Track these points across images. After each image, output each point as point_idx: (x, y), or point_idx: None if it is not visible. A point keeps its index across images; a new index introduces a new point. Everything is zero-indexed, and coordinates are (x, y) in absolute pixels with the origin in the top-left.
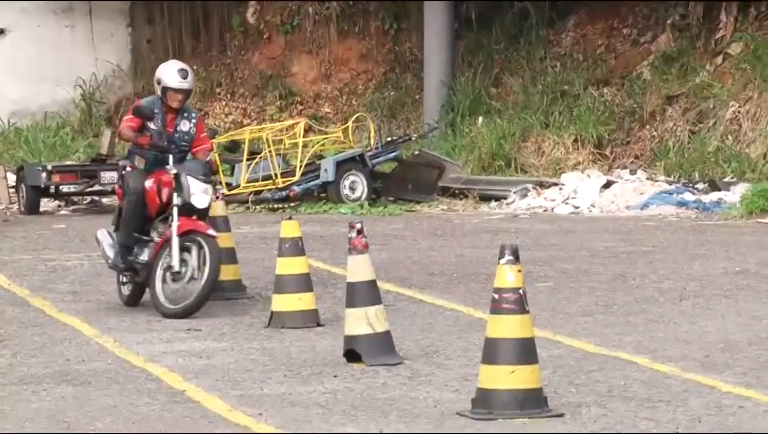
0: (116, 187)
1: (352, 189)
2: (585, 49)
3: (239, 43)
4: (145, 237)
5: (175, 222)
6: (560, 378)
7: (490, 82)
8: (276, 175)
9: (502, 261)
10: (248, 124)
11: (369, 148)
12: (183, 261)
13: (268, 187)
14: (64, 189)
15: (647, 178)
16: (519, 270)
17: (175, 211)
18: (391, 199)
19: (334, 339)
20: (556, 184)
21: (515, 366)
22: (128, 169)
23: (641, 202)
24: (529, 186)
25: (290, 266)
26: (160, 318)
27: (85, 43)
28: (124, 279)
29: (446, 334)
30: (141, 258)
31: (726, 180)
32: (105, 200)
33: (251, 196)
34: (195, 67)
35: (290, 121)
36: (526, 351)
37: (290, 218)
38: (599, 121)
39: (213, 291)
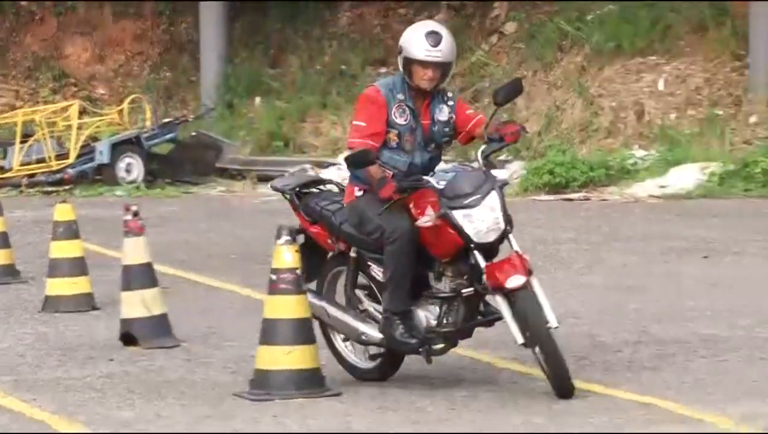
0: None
1: (128, 171)
2: (362, 28)
3: (11, 24)
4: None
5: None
6: None
7: (268, 62)
8: (50, 158)
9: (280, 241)
10: (21, 107)
11: (145, 130)
12: None
13: (42, 170)
14: None
15: None
16: (296, 251)
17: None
18: (169, 180)
19: (110, 323)
20: (334, 164)
21: (292, 347)
22: (358, 192)
23: None
24: (308, 166)
25: (64, 250)
26: None
27: None
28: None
29: (224, 316)
30: (426, 323)
31: (501, 158)
32: None
33: (25, 179)
34: None
35: (64, 103)
36: (303, 332)
37: (64, 201)
38: None
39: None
